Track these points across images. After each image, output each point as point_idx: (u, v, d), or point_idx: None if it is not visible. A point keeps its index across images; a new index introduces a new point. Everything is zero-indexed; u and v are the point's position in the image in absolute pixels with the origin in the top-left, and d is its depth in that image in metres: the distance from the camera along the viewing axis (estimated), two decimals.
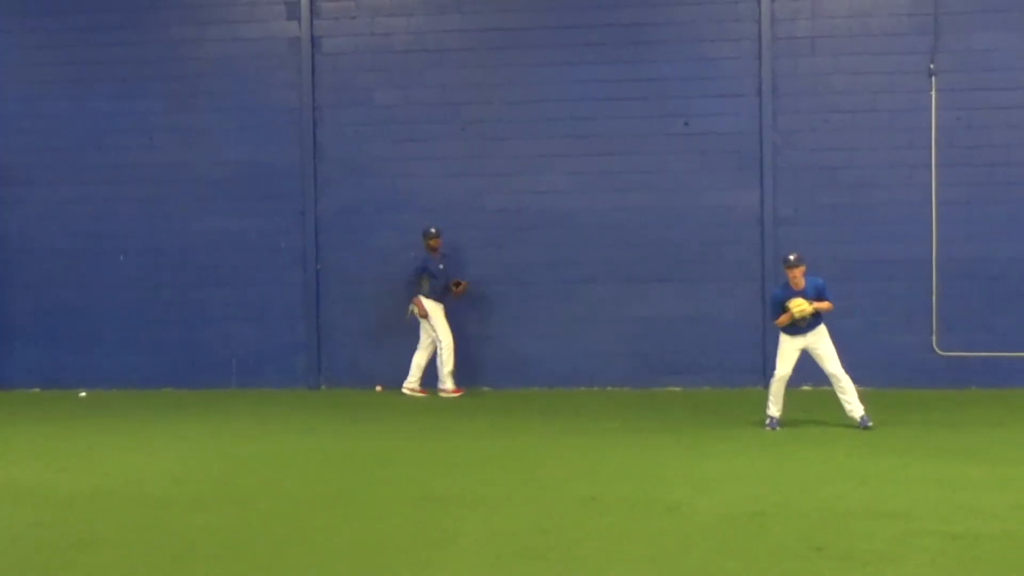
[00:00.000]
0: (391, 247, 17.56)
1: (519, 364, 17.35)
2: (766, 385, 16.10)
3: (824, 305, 13.32)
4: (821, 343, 13.47)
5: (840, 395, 13.53)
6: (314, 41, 17.75)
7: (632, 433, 13.20)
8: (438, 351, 16.75)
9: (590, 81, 17.27)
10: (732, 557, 7.87)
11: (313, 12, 17.70)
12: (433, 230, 16.87)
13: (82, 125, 18.23)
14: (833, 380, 13.53)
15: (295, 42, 17.77)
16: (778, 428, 13.29)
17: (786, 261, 13.44)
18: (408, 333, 17.24)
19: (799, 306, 13.13)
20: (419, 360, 16.91)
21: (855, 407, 13.41)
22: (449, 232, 17.32)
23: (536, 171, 17.38)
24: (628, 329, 17.10)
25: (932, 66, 16.54)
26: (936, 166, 16.57)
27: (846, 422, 13.56)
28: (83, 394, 17.57)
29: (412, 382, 16.88)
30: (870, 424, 13.23)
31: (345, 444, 13.06)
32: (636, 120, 17.17)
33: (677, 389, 16.85)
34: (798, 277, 13.31)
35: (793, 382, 15.62)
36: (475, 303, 17.44)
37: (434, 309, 16.77)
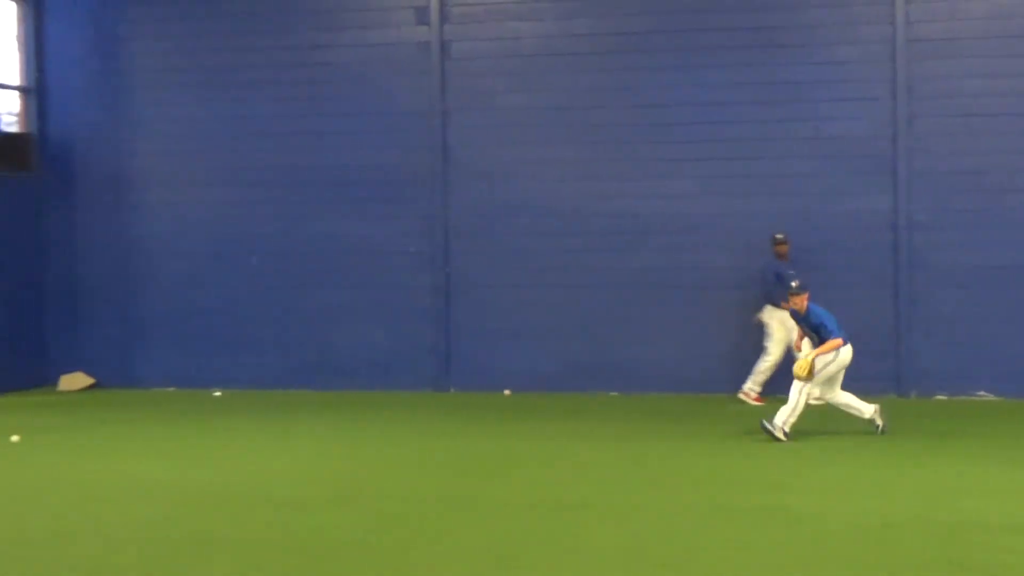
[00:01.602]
0: (521, 251, 17.59)
1: (644, 369, 17.24)
2: (900, 392, 15.86)
3: (825, 348, 13.05)
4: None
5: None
6: (443, 45, 17.86)
7: (756, 440, 13.04)
8: (762, 357, 16.08)
9: (718, 85, 17.12)
10: (865, 570, 7.72)
11: (443, 17, 17.80)
12: (780, 235, 16.15)
13: (215, 129, 18.56)
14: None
15: (424, 46, 17.90)
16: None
17: (790, 288, 13.41)
18: (537, 337, 17.30)
19: (801, 368, 13.02)
20: (761, 366, 16.19)
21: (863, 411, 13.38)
22: (574, 235, 17.32)
23: (663, 175, 17.28)
24: (755, 335, 16.89)
25: None
26: None
27: (979, 433, 13.26)
28: (217, 393, 17.88)
29: (751, 386, 16.24)
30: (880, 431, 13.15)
31: (474, 447, 13.10)
32: (765, 124, 16.97)
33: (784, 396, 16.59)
34: (801, 304, 13.29)
35: (927, 390, 15.37)
36: (600, 306, 17.39)
37: (776, 317, 15.88)
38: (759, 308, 16.14)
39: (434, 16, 17.78)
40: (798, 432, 12.96)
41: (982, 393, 16.13)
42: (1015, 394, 15.90)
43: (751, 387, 16.14)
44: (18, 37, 18.90)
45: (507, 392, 17.40)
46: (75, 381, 18.69)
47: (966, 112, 16.41)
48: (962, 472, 11.17)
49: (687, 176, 17.22)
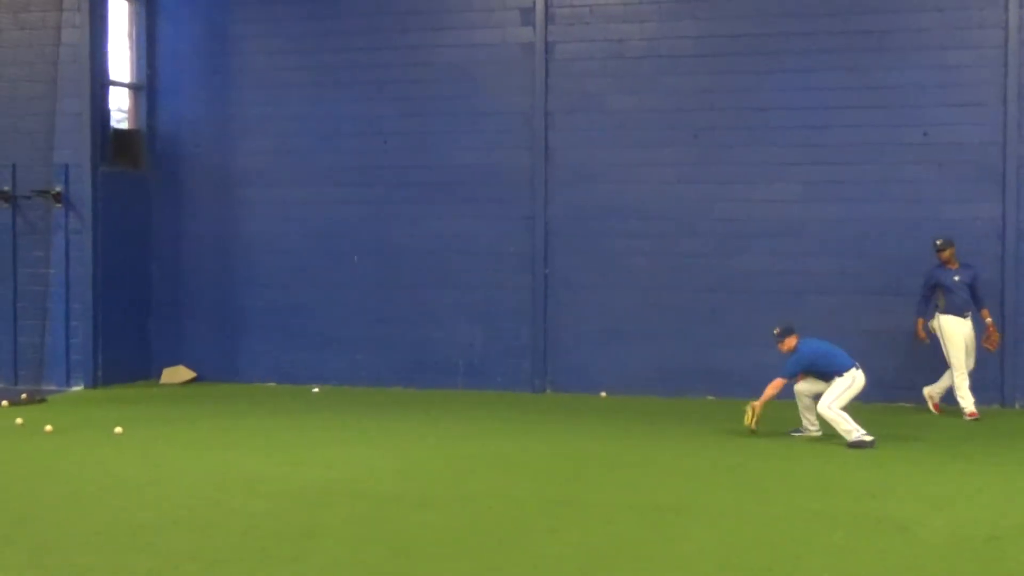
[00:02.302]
0: (619, 253, 17.56)
1: (743, 374, 17.08)
2: (1005, 403, 15.58)
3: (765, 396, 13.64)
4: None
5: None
6: (548, 46, 17.87)
7: (859, 447, 12.89)
8: (950, 371, 15.30)
9: (824, 89, 16.94)
10: None
11: (548, 18, 17.81)
12: (939, 241, 15.40)
13: (319, 128, 18.76)
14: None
15: (529, 47, 17.93)
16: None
17: (774, 335, 14.06)
18: (635, 339, 17.28)
19: (747, 418, 13.73)
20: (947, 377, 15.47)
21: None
22: (676, 238, 17.26)
23: (767, 179, 17.14)
24: (855, 342, 16.64)
25: None
26: None
27: None
28: (316, 390, 18.06)
29: (933, 390, 15.68)
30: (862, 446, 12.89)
31: (570, 448, 13.08)
32: (871, 129, 16.75)
33: (908, 404, 16.38)
34: (786, 347, 13.88)
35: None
36: (700, 309, 17.31)
37: (950, 326, 15.18)
38: (928, 318, 15.62)
39: (539, 17, 17.80)
40: (897, 439, 12.82)
41: None
42: None
43: (932, 393, 15.68)
44: (130, 35, 19.23)
45: (603, 394, 17.37)
46: (177, 374, 18.99)
47: None
48: None
49: (792, 180, 17.07)
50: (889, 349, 16.57)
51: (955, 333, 15.07)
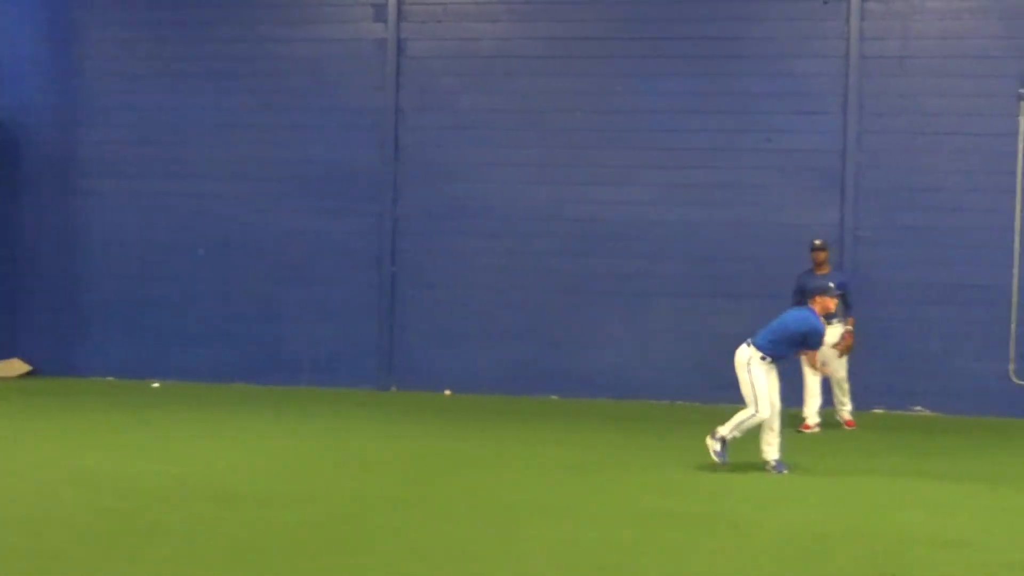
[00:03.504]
0: (469, 252, 17.61)
1: (590, 374, 17.29)
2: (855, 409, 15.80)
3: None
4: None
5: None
6: (400, 44, 17.84)
7: (701, 449, 13.11)
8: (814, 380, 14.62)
9: (674, 93, 17.21)
10: None
11: (400, 15, 17.79)
12: (817, 242, 15.04)
13: (168, 119, 18.46)
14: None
15: (381, 44, 17.88)
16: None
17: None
18: (482, 338, 17.34)
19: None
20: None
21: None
22: (525, 239, 17.37)
23: (616, 182, 17.35)
24: (701, 343, 16.97)
25: (1022, 91, 16.30)
26: (1021, 192, 16.32)
27: (915, 447, 13.42)
28: (156, 385, 17.78)
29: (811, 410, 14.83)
30: (784, 471, 11.78)
31: (413, 446, 13.08)
32: (718, 134, 17.08)
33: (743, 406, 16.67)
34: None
35: (865, 403, 15.53)
36: (548, 310, 17.43)
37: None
38: None
39: (392, 14, 17.78)
40: (739, 442, 13.08)
41: (919, 408, 16.31)
42: (951, 410, 16.09)
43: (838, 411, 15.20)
44: None
45: (447, 392, 17.40)
46: (10, 368, 18.50)
47: (915, 130, 16.59)
48: (898, 485, 11.27)
49: (642, 183, 17.30)
50: (731, 350, 16.83)
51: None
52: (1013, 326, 16.36)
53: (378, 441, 13.35)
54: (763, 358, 11.78)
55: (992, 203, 16.44)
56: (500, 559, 8.18)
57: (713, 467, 11.83)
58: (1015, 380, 16.36)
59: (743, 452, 12.67)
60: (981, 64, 16.51)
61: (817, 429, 14.55)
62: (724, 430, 11.84)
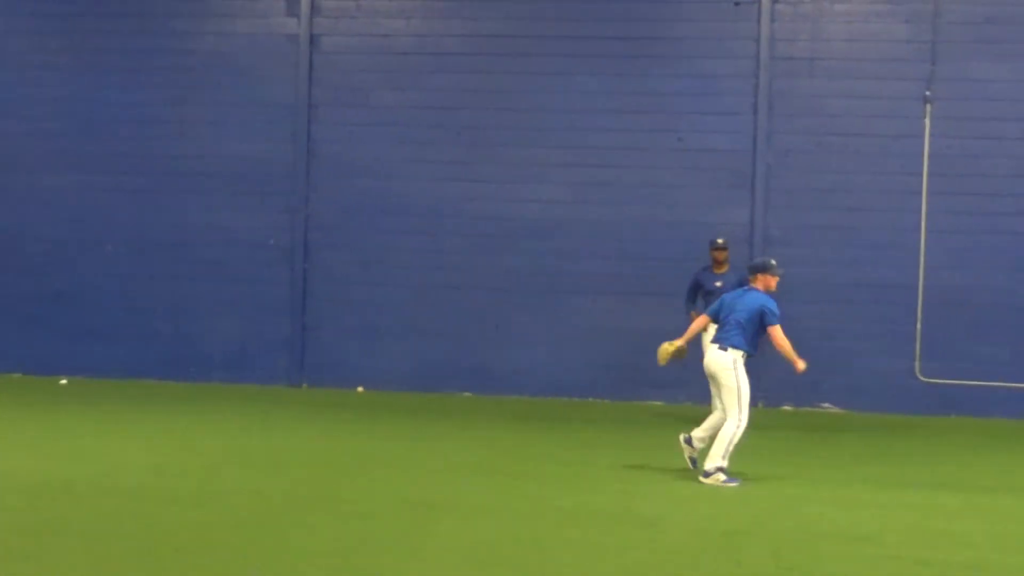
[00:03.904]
0: (383, 248, 17.56)
1: (503, 371, 17.32)
2: (768, 404, 15.97)
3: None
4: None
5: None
6: (313, 39, 17.75)
7: (613, 446, 13.21)
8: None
9: (588, 92, 17.29)
10: (702, 574, 7.87)
11: (313, 10, 17.69)
12: (720, 240, 15.06)
13: (77, 113, 18.21)
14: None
15: (294, 39, 17.77)
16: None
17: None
18: (395, 335, 17.32)
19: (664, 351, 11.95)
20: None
21: (710, 452, 11.13)
22: (440, 236, 17.36)
23: (530, 180, 17.39)
24: (613, 341, 17.07)
25: (928, 93, 16.58)
26: (927, 193, 16.61)
27: (822, 444, 13.61)
28: (64, 381, 17.52)
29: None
30: (706, 480, 11.00)
31: (326, 444, 13.04)
32: (632, 133, 17.18)
33: (660, 403, 16.85)
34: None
35: (774, 401, 15.71)
36: (462, 307, 17.43)
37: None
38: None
39: (304, 9, 17.67)
40: (644, 439, 13.16)
41: (827, 405, 16.53)
42: (858, 407, 16.34)
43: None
44: None
45: (360, 389, 17.35)
46: None
47: (824, 130, 16.82)
48: (806, 482, 11.42)
49: (557, 181, 17.36)
50: (643, 347, 16.96)
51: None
52: (919, 325, 16.64)
53: (288, 439, 13.28)
54: (746, 356, 11.18)
55: (899, 203, 16.70)
56: (412, 556, 8.17)
57: (625, 466, 11.91)
58: (921, 378, 16.64)
59: (655, 452, 12.78)
60: (888, 67, 16.78)
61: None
62: (715, 460, 10.92)
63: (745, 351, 11.16)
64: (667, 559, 8.24)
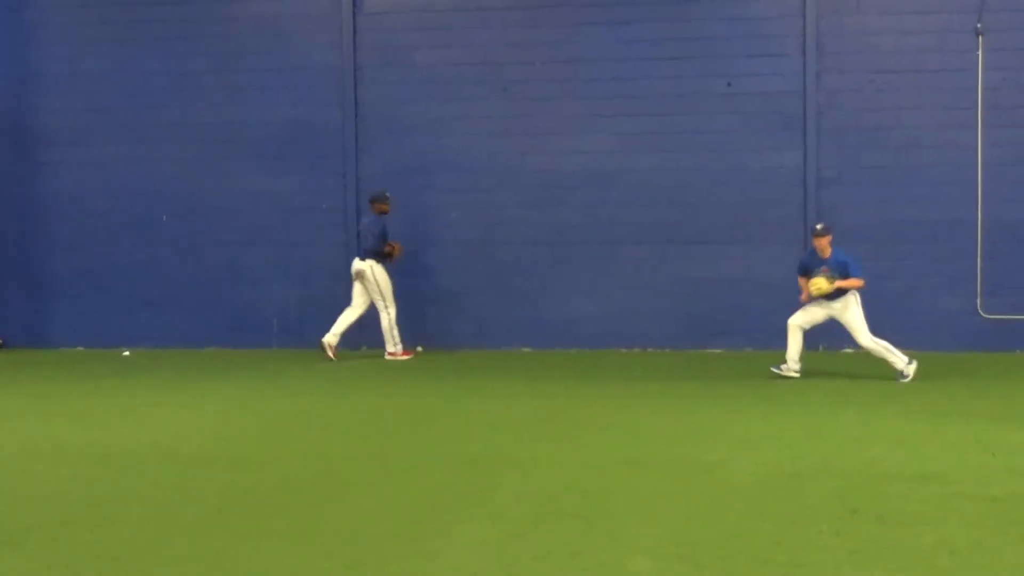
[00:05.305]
0: (433, 207, 17.57)
1: (559, 325, 17.32)
2: (809, 346, 16.01)
3: (849, 283, 13.57)
4: (846, 314, 13.82)
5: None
6: (356, 1, 17.70)
7: (673, 395, 13.16)
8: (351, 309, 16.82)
9: (633, 41, 17.16)
10: (766, 518, 7.82)
11: None
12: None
13: (124, 84, 18.32)
14: (866, 353, 13.95)
15: (336, 2, 17.73)
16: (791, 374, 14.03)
17: (813, 230, 13.78)
18: (448, 293, 17.34)
19: (816, 284, 13.58)
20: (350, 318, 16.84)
21: (896, 361, 13.84)
22: (490, 192, 17.35)
23: (578, 131, 17.31)
24: (669, 290, 17.04)
25: (979, 25, 16.33)
26: (982, 127, 16.39)
27: (888, 385, 13.48)
28: (126, 353, 17.70)
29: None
30: (903, 380, 13.67)
31: (383, 403, 13.08)
32: (679, 80, 17.05)
33: (719, 351, 16.79)
34: (824, 247, 13.60)
35: (834, 344, 15.58)
36: (516, 263, 17.42)
37: (378, 270, 16.76)
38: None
39: None
40: (705, 386, 13.08)
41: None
42: (921, 346, 16.16)
43: (331, 338, 16.58)
44: None
45: (419, 349, 17.40)
46: None
47: (873, 68, 16.61)
48: (867, 423, 11.33)
49: (604, 132, 17.29)
50: (700, 296, 16.96)
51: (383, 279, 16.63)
52: (979, 261, 16.46)
53: (346, 399, 13.33)
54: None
55: (953, 139, 16.50)
56: (475, 510, 8.18)
57: (686, 412, 11.88)
58: (982, 314, 16.47)
59: (717, 400, 12.73)
60: (937, 0, 16.51)
61: None
62: (900, 361, 13.67)
63: None
64: (733, 503, 8.20)
